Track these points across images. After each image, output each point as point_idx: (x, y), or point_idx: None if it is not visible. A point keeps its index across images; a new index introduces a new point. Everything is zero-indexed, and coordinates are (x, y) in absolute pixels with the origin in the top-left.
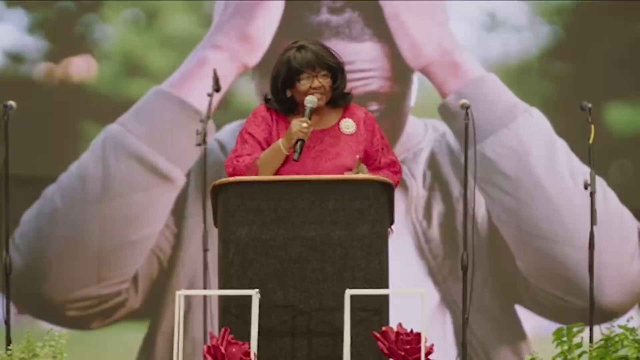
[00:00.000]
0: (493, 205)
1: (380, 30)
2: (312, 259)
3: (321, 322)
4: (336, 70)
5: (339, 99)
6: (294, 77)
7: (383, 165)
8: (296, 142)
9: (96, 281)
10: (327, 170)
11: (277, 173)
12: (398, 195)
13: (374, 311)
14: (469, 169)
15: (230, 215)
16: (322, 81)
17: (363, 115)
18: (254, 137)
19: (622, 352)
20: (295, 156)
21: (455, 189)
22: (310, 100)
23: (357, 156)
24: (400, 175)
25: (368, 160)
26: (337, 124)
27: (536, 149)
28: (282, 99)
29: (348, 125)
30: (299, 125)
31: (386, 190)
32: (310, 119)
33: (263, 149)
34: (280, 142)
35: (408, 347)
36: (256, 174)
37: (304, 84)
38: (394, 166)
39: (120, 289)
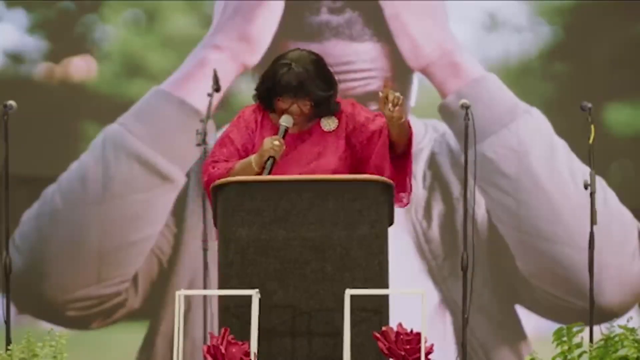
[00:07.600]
0: (493, 205)
1: (380, 30)
2: (312, 259)
3: (321, 322)
4: (320, 99)
5: (323, 114)
6: (275, 94)
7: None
8: (267, 160)
9: (96, 281)
10: (310, 171)
11: None
12: None
13: (374, 311)
14: (469, 169)
15: (230, 215)
16: (301, 107)
17: (350, 108)
18: (233, 143)
19: (622, 352)
20: (265, 173)
21: (455, 189)
22: (286, 120)
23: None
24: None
25: (355, 157)
26: (318, 122)
27: (536, 149)
28: (265, 99)
29: (329, 122)
30: (270, 143)
31: (386, 191)
32: (284, 137)
33: (240, 156)
34: (252, 158)
35: (408, 347)
36: None
37: (281, 105)
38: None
39: (120, 289)
